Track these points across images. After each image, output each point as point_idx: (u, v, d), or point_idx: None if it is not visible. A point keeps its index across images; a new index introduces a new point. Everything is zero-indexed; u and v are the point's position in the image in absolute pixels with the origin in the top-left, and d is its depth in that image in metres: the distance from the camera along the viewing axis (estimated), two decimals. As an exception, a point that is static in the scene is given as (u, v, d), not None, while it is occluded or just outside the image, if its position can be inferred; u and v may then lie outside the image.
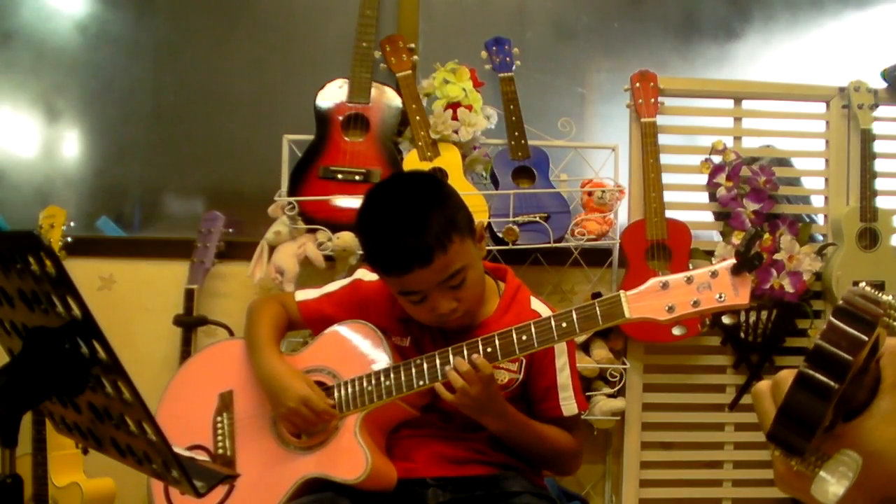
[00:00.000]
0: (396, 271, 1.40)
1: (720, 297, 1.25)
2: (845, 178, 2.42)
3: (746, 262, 1.24)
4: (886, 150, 2.43)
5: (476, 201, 2.14)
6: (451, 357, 1.40)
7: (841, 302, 0.54)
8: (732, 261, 1.25)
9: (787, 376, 0.58)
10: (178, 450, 0.88)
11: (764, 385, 0.62)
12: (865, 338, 0.52)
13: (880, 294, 0.54)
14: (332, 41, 2.54)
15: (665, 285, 1.29)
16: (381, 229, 1.42)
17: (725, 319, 1.40)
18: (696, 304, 1.27)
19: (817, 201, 2.51)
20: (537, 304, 1.56)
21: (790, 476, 0.59)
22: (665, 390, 2.39)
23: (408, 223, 1.38)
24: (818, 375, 0.52)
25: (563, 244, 2.24)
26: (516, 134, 2.26)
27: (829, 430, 0.56)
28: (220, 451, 1.53)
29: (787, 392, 0.53)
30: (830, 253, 2.36)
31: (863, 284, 0.56)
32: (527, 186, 2.23)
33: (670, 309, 1.28)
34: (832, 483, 0.54)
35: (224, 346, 1.65)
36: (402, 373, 1.43)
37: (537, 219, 2.18)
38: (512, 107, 2.28)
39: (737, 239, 2.30)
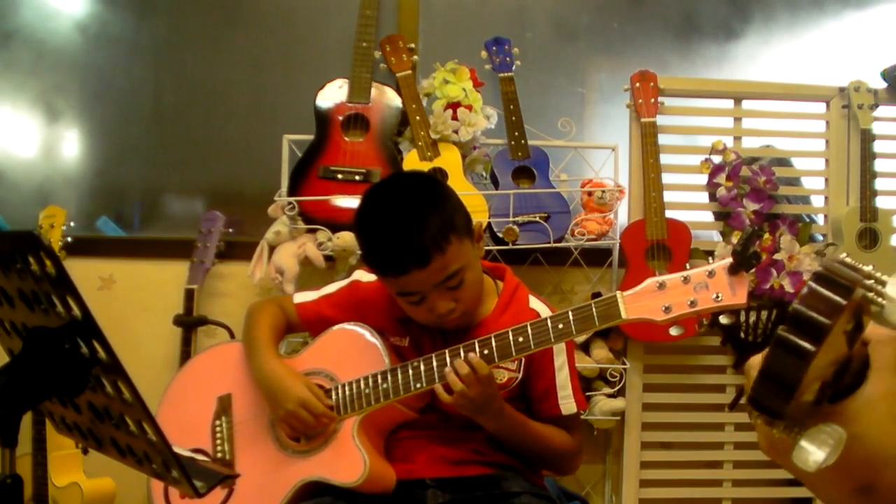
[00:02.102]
0: (393, 273, 1.40)
1: (717, 296, 1.25)
2: (845, 178, 2.42)
3: (744, 261, 1.23)
4: (886, 150, 2.43)
5: (476, 201, 2.14)
6: (448, 359, 1.40)
7: (820, 268, 0.55)
8: (729, 260, 1.25)
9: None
10: (178, 450, 0.88)
11: (755, 359, 0.63)
12: (843, 301, 0.53)
13: (859, 263, 0.55)
14: (332, 41, 2.53)
15: (662, 285, 1.28)
16: (378, 230, 1.42)
17: (723, 319, 1.40)
18: (692, 304, 1.26)
19: (817, 201, 2.51)
20: (536, 303, 1.56)
21: (774, 439, 0.59)
22: (665, 390, 2.39)
23: (405, 224, 1.38)
24: (795, 338, 0.53)
25: (563, 244, 2.24)
26: (516, 134, 2.26)
27: (817, 407, 0.57)
28: (220, 454, 1.53)
29: (766, 355, 0.54)
30: (830, 253, 2.36)
31: (843, 255, 0.56)
32: (527, 186, 2.23)
33: (667, 309, 1.27)
34: (812, 451, 0.55)
35: (222, 350, 1.65)
36: (400, 375, 1.43)
37: (537, 219, 2.18)
38: (512, 107, 2.28)
39: (737, 239, 2.30)
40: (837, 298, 0.53)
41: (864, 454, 0.56)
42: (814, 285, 0.54)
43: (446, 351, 1.41)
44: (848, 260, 0.56)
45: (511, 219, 2.17)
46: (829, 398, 0.58)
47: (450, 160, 2.21)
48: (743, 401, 0.61)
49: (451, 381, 1.37)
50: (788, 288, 2.28)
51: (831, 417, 0.57)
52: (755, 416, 0.57)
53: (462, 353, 1.39)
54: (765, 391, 0.55)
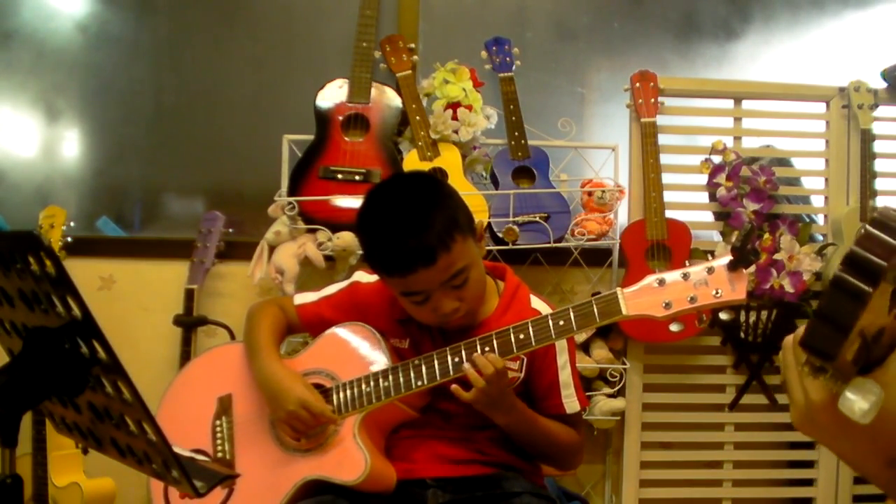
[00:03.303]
0: (400, 272, 1.39)
1: (716, 292, 1.26)
2: (845, 178, 2.42)
3: (743, 257, 1.24)
4: (886, 150, 2.43)
5: (476, 201, 2.14)
6: (448, 358, 1.41)
7: (876, 214, 0.56)
8: (729, 257, 1.26)
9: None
10: (178, 450, 0.88)
11: (789, 338, 0.64)
12: None
13: None
14: (332, 41, 2.54)
15: (661, 282, 1.29)
16: (383, 231, 1.41)
17: (722, 315, 1.41)
18: (692, 300, 1.27)
19: (817, 201, 2.51)
20: (537, 303, 1.56)
21: (812, 410, 0.60)
22: (665, 390, 2.39)
23: (410, 224, 1.38)
24: (852, 279, 0.54)
25: (563, 244, 2.24)
26: (516, 134, 2.26)
27: (853, 369, 0.58)
28: (220, 454, 1.53)
29: (822, 296, 0.55)
30: (830, 253, 2.36)
31: None
32: (527, 186, 2.23)
33: (667, 305, 1.28)
34: (857, 400, 0.56)
35: (222, 350, 1.65)
36: (401, 374, 1.43)
37: (537, 219, 2.18)
38: (512, 107, 2.28)
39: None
40: (893, 241, 0.54)
41: (895, 426, 0.57)
42: (870, 228, 0.55)
43: (447, 349, 1.41)
44: None
45: (511, 219, 2.17)
46: (860, 370, 0.58)
47: (450, 160, 2.21)
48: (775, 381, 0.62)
49: (473, 378, 1.37)
50: (788, 288, 2.28)
51: None
52: (802, 366, 0.58)
53: (463, 352, 1.40)
54: (820, 332, 0.56)
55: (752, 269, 2.28)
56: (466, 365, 1.38)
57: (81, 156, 2.64)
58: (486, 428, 1.49)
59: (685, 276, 1.28)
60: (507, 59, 2.32)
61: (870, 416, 0.55)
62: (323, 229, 2.18)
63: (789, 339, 0.65)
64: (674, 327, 1.35)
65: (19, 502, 0.87)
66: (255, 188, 2.50)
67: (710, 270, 1.27)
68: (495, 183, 2.26)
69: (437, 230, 1.36)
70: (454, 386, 1.39)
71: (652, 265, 2.23)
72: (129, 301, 2.38)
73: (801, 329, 0.62)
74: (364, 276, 1.61)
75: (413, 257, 1.36)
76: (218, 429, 1.55)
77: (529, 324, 1.37)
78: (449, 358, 1.41)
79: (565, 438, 1.53)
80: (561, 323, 1.36)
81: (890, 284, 0.56)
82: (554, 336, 1.37)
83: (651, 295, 1.29)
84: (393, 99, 2.29)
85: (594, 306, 1.33)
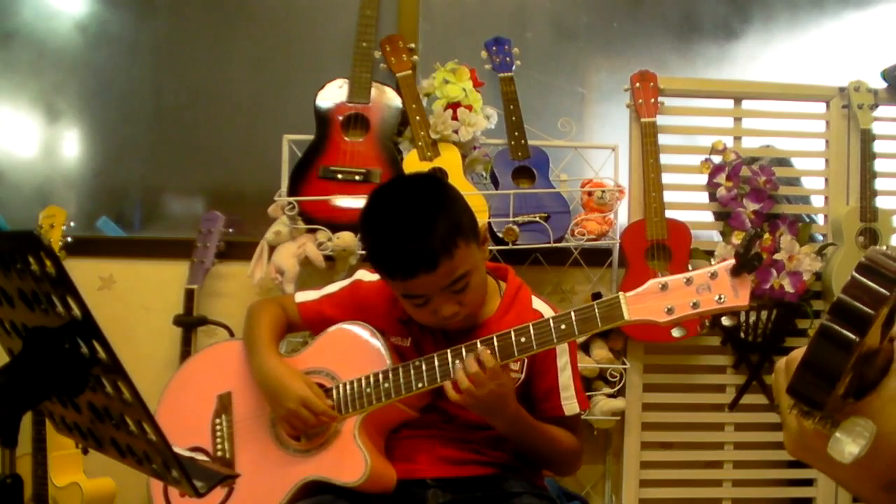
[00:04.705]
0: (401, 276, 1.39)
1: (720, 298, 1.25)
2: (845, 178, 2.42)
3: (746, 262, 1.23)
4: (886, 150, 2.43)
5: (476, 201, 2.13)
6: (450, 358, 1.40)
7: (864, 259, 0.55)
8: (732, 262, 1.25)
9: (798, 354, 0.59)
10: (177, 450, 0.88)
11: (793, 353, 0.62)
12: (887, 293, 0.53)
13: None
14: (332, 41, 2.53)
15: (664, 287, 1.28)
16: (386, 233, 1.40)
17: (725, 321, 1.40)
18: (695, 305, 1.26)
19: (817, 201, 2.51)
20: (539, 304, 1.55)
21: (805, 436, 0.59)
22: (665, 390, 2.39)
23: (414, 228, 1.37)
24: (839, 328, 0.53)
25: (563, 244, 2.24)
26: (516, 134, 2.26)
27: (844, 401, 0.57)
28: (219, 453, 1.53)
29: (809, 345, 0.54)
30: (830, 253, 2.36)
31: (885, 246, 0.56)
32: (527, 186, 2.23)
33: (669, 311, 1.27)
34: (848, 442, 0.54)
35: (222, 348, 1.65)
36: (402, 375, 1.43)
37: (537, 219, 2.18)
38: (512, 107, 2.28)
39: (737, 239, 2.31)
40: (881, 289, 0.53)
41: (890, 452, 0.56)
42: (857, 276, 0.54)
43: (448, 350, 1.41)
44: (891, 250, 0.56)
45: (511, 219, 2.16)
46: (854, 394, 0.57)
47: (450, 160, 2.20)
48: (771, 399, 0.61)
49: (459, 379, 1.36)
50: (788, 288, 2.28)
51: (857, 413, 0.56)
52: (791, 410, 0.57)
53: (464, 353, 1.39)
54: (806, 381, 0.54)
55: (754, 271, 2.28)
56: (458, 366, 1.37)
57: (81, 156, 2.64)
58: (487, 428, 1.49)
59: (688, 281, 1.27)
60: (507, 59, 2.32)
61: (861, 455, 0.54)
62: (323, 229, 2.18)
63: (782, 363, 0.64)
64: (676, 332, 1.34)
65: (19, 502, 0.87)
66: (255, 188, 2.50)
67: (714, 275, 1.26)
68: (495, 183, 2.26)
69: (440, 235, 1.36)
70: (446, 383, 1.39)
71: (652, 265, 2.23)
72: (129, 301, 2.38)
73: (794, 353, 0.61)
74: (366, 275, 1.61)
75: (415, 262, 1.36)
76: (217, 427, 1.55)
77: (531, 327, 1.37)
78: (450, 359, 1.40)
79: (566, 445, 1.52)
80: (562, 327, 1.35)
81: (884, 311, 0.54)
82: (556, 340, 1.36)
83: (653, 300, 1.28)
84: (393, 99, 2.29)
85: (596, 311, 1.33)
